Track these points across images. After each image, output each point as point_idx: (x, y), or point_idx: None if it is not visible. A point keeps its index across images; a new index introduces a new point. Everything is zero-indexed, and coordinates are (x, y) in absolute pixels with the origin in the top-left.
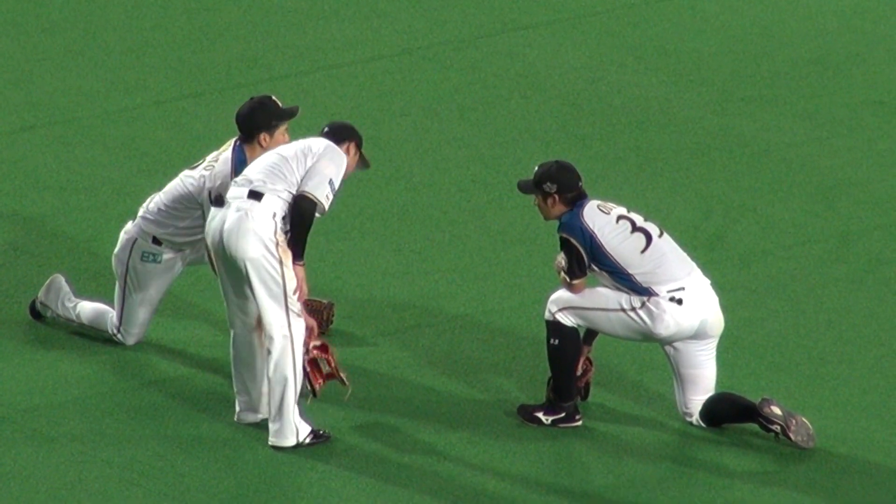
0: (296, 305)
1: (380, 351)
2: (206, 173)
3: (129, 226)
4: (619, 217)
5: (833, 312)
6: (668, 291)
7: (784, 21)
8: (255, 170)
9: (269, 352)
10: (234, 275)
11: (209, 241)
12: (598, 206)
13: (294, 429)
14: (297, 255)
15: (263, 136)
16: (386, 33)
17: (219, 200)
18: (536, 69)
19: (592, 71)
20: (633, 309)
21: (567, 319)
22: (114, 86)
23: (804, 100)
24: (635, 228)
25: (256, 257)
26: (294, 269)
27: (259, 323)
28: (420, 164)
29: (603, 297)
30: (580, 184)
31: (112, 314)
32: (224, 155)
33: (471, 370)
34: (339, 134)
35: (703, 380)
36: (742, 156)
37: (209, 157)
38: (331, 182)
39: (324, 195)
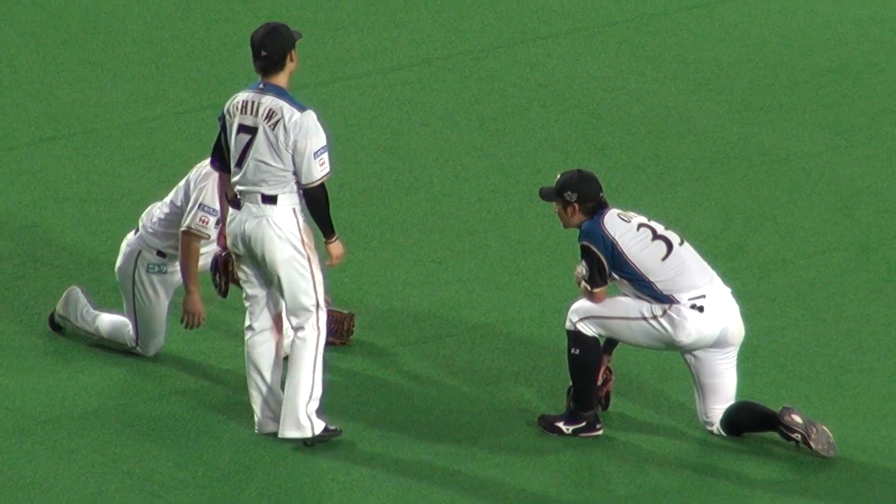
0: (323, 300)
1: (400, 361)
2: (193, 174)
3: (132, 237)
4: (640, 225)
5: (853, 321)
6: (690, 299)
7: (803, 30)
8: (253, 177)
9: (295, 339)
10: (260, 274)
11: (229, 241)
12: (618, 215)
13: (307, 422)
14: (328, 233)
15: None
16: (405, 43)
17: (235, 202)
18: (556, 79)
19: (612, 80)
20: (655, 317)
21: (588, 329)
22: (133, 97)
23: (823, 109)
24: (656, 236)
25: (286, 259)
26: (331, 248)
27: (276, 324)
28: (440, 174)
29: (624, 306)
30: (601, 194)
31: (130, 327)
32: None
33: (491, 380)
34: (279, 52)
35: (723, 389)
36: (761, 165)
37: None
38: (318, 152)
39: (322, 172)
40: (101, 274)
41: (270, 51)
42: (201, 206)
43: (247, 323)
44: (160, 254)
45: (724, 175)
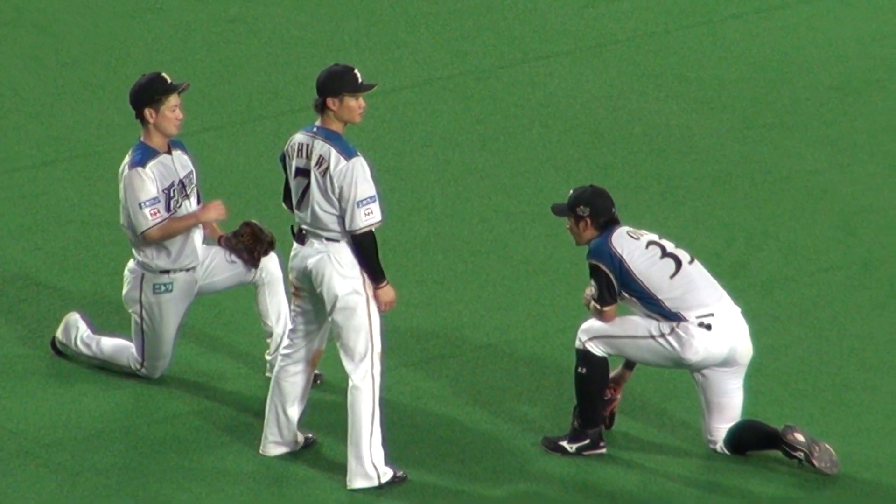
0: (379, 345)
1: (404, 381)
2: (120, 192)
3: (132, 264)
4: (649, 243)
5: (856, 339)
6: (697, 317)
7: (804, 48)
8: (315, 222)
9: (350, 389)
10: (315, 311)
11: (292, 276)
12: (627, 232)
13: (374, 471)
14: (377, 279)
15: (149, 112)
16: (406, 64)
17: (299, 237)
18: (557, 98)
19: (613, 99)
20: (663, 335)
21: (597, 349)
22: (134, 119)
23: (825, 126)
24: (665, 254)
25: (344, 296)
26: (379, 293)
27: (314, 359)
28: (442, 195)
29: (632, 325)
30: (613, 209)
31: (132, 349)
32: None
33: (495, 400)
34: (318, 93)
35: (730, 408)
36: (764, 183)
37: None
38: (363, 202)
39: (367, 221)
40: (103, 296)
41: (317, 91)
42: (142, 205)
43: (285, 351)
44: (164, 272)
45: (726, 193)
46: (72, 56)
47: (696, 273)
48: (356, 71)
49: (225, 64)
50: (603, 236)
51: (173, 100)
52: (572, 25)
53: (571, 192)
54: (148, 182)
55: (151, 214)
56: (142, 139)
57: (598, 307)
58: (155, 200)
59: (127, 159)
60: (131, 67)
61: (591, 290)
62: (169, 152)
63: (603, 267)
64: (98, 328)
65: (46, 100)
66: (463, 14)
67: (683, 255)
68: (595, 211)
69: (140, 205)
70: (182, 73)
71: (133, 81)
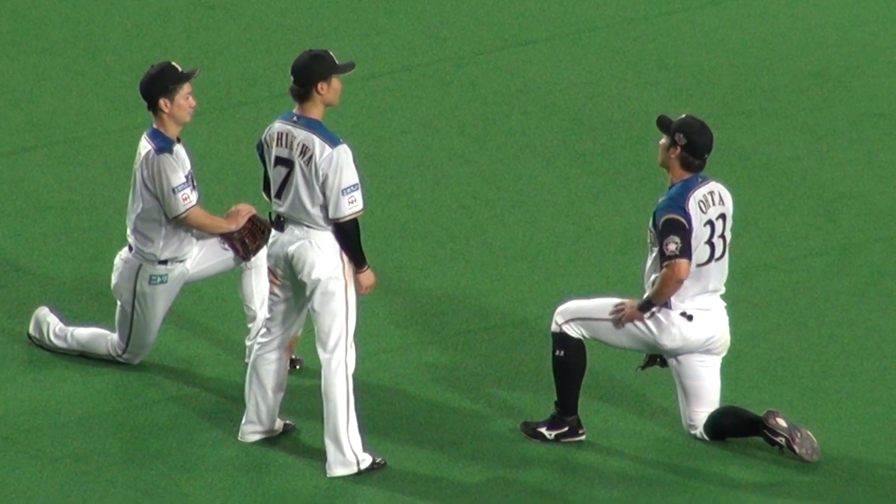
0: (353, 331)
1: (383, 367)
2: (143, 174)
3: (126, 254)
4: (707, 221)
5: (835, 325)
6: (682, 308)
7: (784, 34)
8: (296, 212)
9: (324, 376)
10: (296, 294)
11: (270, 263)
12: (700, 202)
13: (353, 458)
14: (359, 264)
15: (164, 102)
16: (385, 50)
17: (278, 224)
18: (536, 85)
19: (593, 86)
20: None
21: (573, 331)
22: (114, 105)
23: (805, 113)
24: (709, 239)
25: (325, 280)
26: (361, 278)
27: (290, 346)
28: (421, 181)
29: (610, 307)
30: (706, 156)
31: (111, 337)
32: (142, 142)
33: (474, 386)
34: (305, 81)
35: (706, 392)
36: (743, 169)
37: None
38: (348, 189)
39: (351, 209)
40: (82, 282)
41: (297, 79)
42: (175, 190)
43: (261, 339)
44: (162, 262)
45: None
46: (51, 42)
47: (714, 271)
48: (331, 52)
49: (204, 50)
50: (679, 192)
51: (186, 88)
52: (551, 12)
53: (684, 116)
54: (177, 167)
55: (183, 199)
56: (155, 128)
57: (679, 261)
58: (185, 185)
59: (150, 146)
60: (111, 54)
61: (670, 243)
62: (179, 142)
63: (681, 219)
64: (77, 315)
65: (26, 86)
66: (442, 0)
67: (718, 247)
68: (690, 148)
69: (174, 189)
70: (161, 60)
71: (112, 68)
